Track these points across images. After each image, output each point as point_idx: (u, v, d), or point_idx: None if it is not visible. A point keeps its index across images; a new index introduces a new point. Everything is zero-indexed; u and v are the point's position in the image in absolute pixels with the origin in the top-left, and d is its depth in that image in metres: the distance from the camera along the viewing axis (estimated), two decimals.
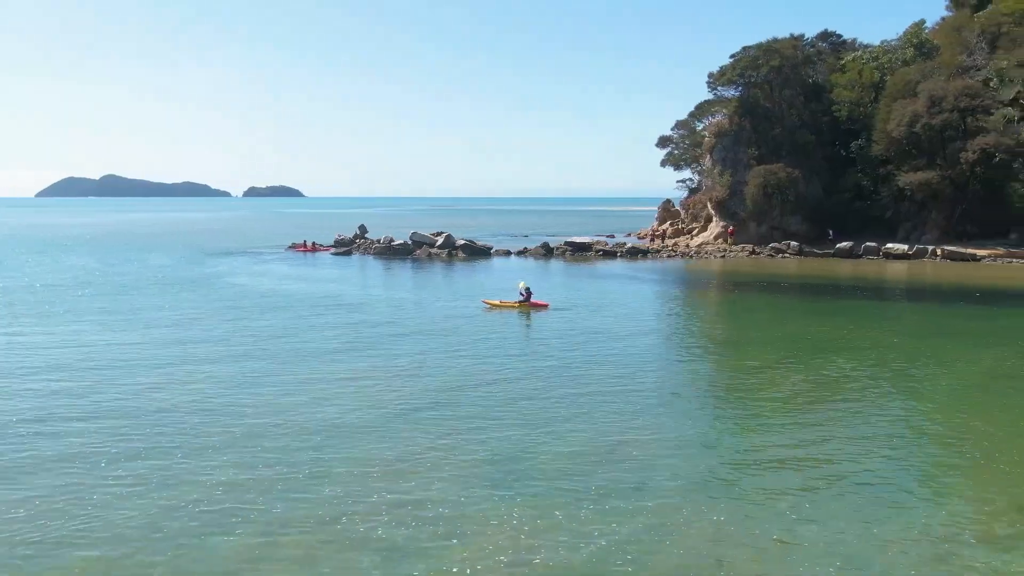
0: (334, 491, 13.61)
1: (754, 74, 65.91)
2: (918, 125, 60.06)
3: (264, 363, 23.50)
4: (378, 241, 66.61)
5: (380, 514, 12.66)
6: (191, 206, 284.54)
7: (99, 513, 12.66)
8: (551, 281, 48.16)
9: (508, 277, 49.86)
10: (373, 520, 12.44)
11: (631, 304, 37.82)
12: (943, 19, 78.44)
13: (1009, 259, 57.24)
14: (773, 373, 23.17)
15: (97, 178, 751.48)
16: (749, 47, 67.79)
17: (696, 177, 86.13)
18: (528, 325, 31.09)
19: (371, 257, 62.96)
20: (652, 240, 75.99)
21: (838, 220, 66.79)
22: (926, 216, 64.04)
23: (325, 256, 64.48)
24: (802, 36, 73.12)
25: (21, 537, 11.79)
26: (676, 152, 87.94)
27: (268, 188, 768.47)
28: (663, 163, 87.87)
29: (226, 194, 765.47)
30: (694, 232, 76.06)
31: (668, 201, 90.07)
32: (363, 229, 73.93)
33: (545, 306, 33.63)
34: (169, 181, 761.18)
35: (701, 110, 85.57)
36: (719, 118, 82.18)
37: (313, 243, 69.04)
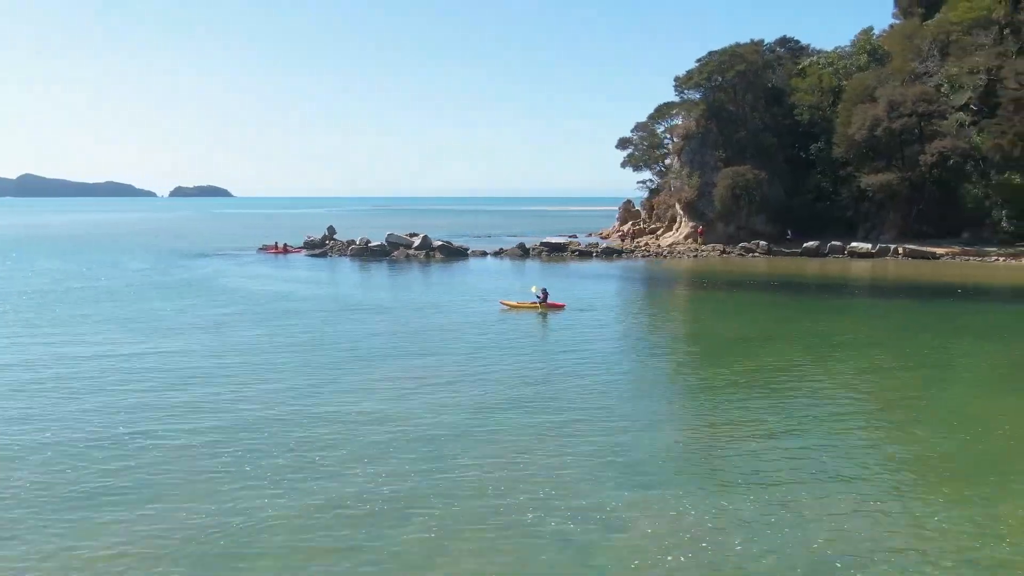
0: (487, 487, 14.06)
1: (720, 78, 67.66)
2: (879, 129, 62.61)
3: (340, 370, 23.19)
4: (354, 243, 66.29)
5: (550, 510, 13.18)
6: (125, 207, 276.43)
7: (274, 524, 12.88)
8: (545, 282, 48.81)
9: (496, 278, 50.68)
10: (538, 515, 12.95)
11: (637, 304, 38.82)
12: (892, 26, 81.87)
13: (965, 257, 60.09)
14: (811, 370, 24.31)
15: (14, 177, 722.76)
16: (715, 52, 69.63)
17: (656, 178, 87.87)
18: (549, 325, 31.77)
19: (347, 259, 62.70)
20: (623, 240, 77.22)
21: (801, 220, 69.06)
22: (884, 216, 66.73)
23: (299, 258, 63.96)
24: (762, 41, 75.46)
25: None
26: (636, 153, 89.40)
27: (195, 188, 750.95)
28: (623, 164, 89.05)
29: (151, 194, 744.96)
30: (658, 232, 77.68)
31: (628, 201, 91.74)
32: (332, 230, 73.48)
33: (562, 307, 34.30)
34: (91, 181, 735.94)
35: (661, 112, 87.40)
36: (680, 121, 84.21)
37: (284, 245, 68.38)
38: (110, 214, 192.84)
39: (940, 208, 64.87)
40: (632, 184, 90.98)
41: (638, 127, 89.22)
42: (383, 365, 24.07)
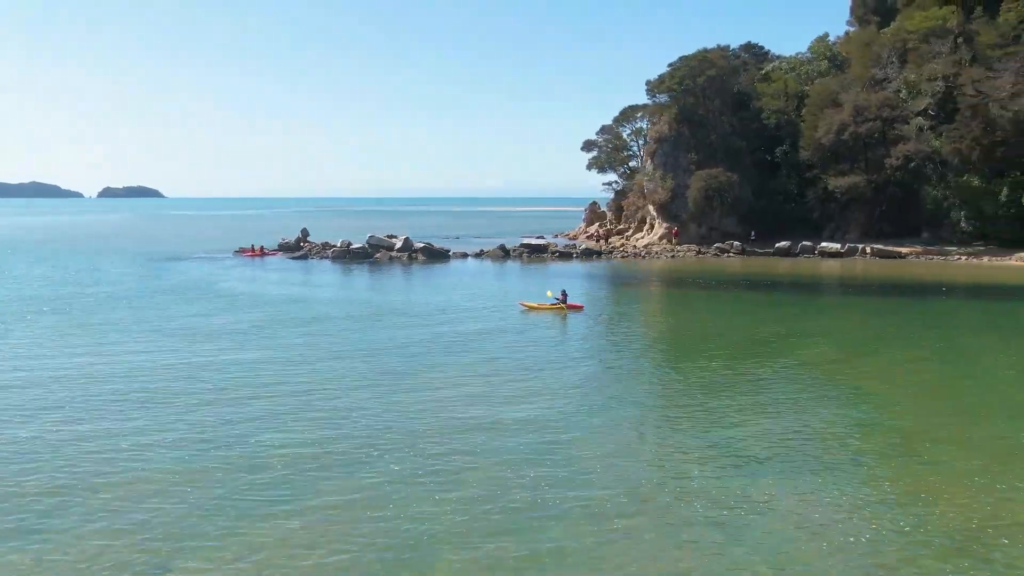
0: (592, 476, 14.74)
1: (691, 83, 69.33)
2: (846, 133, 65.07)
3: (425, 376, 23.34)
4: (334, 245, 66.07)
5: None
6: (53, 209, 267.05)
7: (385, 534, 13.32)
8: (541, 283, 49.61)
9: (488, 279, 51.50)
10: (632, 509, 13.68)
11: (644, 304, 39.82)
12: (848, 33, 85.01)
13: (929, 256, 62.86)
14: (846, 365, 25.60)
15: None
16: (686, 57, 71.32)
17: (621, 180, 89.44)
18: (581, 326, 32.55)
19: (328, 261, 62.41)
20: (595, 241, 78.42)
21: (768, 221, 71.10)
22: (848, 216, 69.28)
23: (279, 260, 63.38)
24: (728, 47, 77.58)
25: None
26: (601, 156, 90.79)
27: (125, 188, 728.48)
28: (589, 166, 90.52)
29: (78, 195, 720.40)
30: (627, 233, 79.11)
31: (595, 203, 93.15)
32: (305, 233, 73.07)
33: (580, 308, 35.07)
34: (14, 181, 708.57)
35: (625, 115, 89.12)
36: (646, 124, 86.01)
37: (261, 247, 67.66)
38: (41, 217, 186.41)
39: (901, 209, 67.66)
40: (590, 186, 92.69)
41: (603, 130, 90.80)
42: (466, 370, 24.29)
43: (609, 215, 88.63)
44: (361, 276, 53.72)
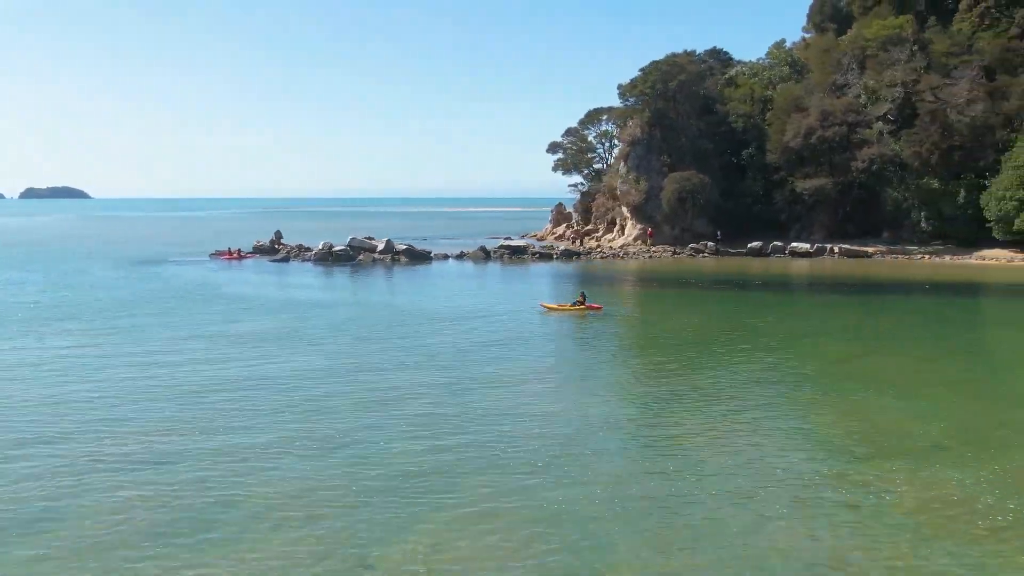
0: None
1: (663, 87, 70.94)
2: (813, 137, 67.47)
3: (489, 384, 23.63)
4: (309, 248, 65.90)
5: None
6: None
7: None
8: (532, 286, 50.50)
9: (490, 280, 52.42)
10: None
11: (658, 304, 40.99)
12: (805, 39, 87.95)
13: (893, 255, 65.63)
14: (872, 359, 27.08)
15: None
16: (658, 62, 72.95)
17: (586, 182, 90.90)
18: (598, 326, 33.49)
19: (310, 264, 62.16)
20: (570, 242, 79.50)
21: (736, 221, 73.11)
22: (814, 217, 71.76)
23: (260, 264, 62.79)
24: (694, 52, 79.60)
25: None
26: (566, 158, 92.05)
27: (49, 189, 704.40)
28: (554, 168, 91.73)
29: None
30: (597, 234, 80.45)
31: (560, 204, 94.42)
32: (279, 235, 72.61)
33: (599, 308, 35.96)
34: None
35: (591, 117, 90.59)
36: (613, 126, 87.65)
37: (239, 250, 66.88)
38: None
39: (863, 210, 70.42)
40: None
41: (569, 132, 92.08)
42: (542, 375, 24.90)
43: (576, 216, 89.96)
44: (358, 278, 53.69)
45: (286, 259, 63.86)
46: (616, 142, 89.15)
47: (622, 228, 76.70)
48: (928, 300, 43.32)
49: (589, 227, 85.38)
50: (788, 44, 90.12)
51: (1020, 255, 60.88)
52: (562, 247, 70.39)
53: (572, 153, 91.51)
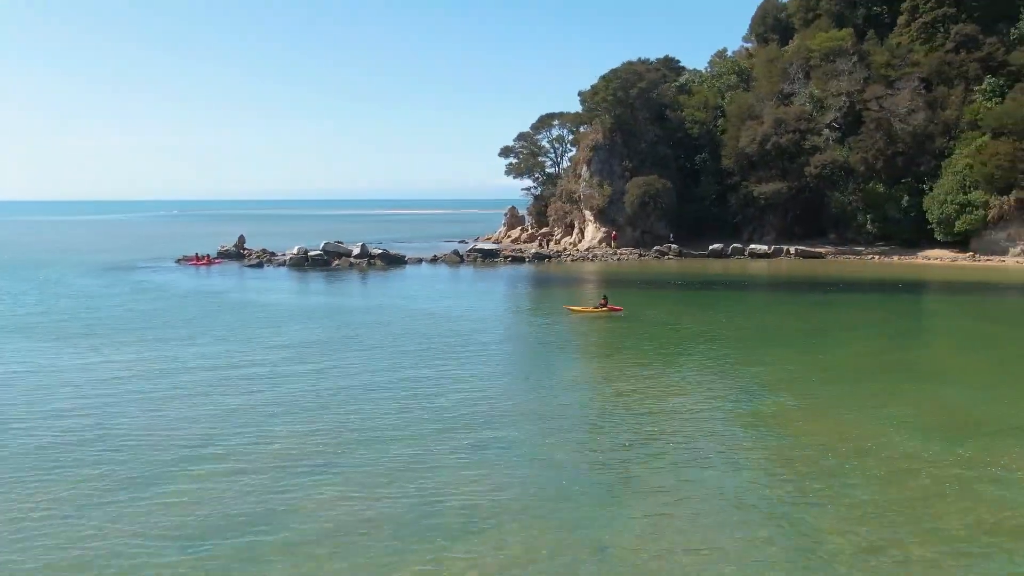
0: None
1: (624, 94, 73.12)
2: (769, 143, 70.74)
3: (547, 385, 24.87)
4: (274, 254, 65.61)
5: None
6: None
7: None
8: (516, 289, 51.65)
9: (486, 284, 53.58)
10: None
11: (657, 306, 42.69)
12: (747, 49, 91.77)
13: (844, 255, 69.39)
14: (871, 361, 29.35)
15: None
16: (617, 69, 75.15)
17: (538, 186, 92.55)
18: (626, 327, 34.95)
19: (285, 269, 61.67)
20: (542, 244, 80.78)
21: (691, 224, 75.88)
22: (765, 220, 75.15)
23: (235, 269, 61.80)
24: (648, 60, 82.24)
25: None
26: (517, 162, 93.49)
27: None
28: (507, 172, 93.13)
29: None
30: (557, 236, 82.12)
31: (513, 208, 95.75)
32: (242, 240, 71.68)
33: (619, 310, 37.36)
34: None
35: (543, 123, 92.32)
36: (563, 131, 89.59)
37: (208, 256, 65.64)
38: None
39: (811, 213, 74.17)
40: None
41: (521, 136, 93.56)
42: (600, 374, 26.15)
43: (529, 219, 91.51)
44: (350, 283, 53.73)
45: (260, 264, 63.12)
46: (569, 147, 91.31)
47: (581, 231, 78.58)
48: (937, 299, 46.64)
49: (544, 230, 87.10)
50: (730, 52, 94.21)
51: (961, 255, 65.38)
52: (532, 251, 71.63)
53: (524, 157, 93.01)
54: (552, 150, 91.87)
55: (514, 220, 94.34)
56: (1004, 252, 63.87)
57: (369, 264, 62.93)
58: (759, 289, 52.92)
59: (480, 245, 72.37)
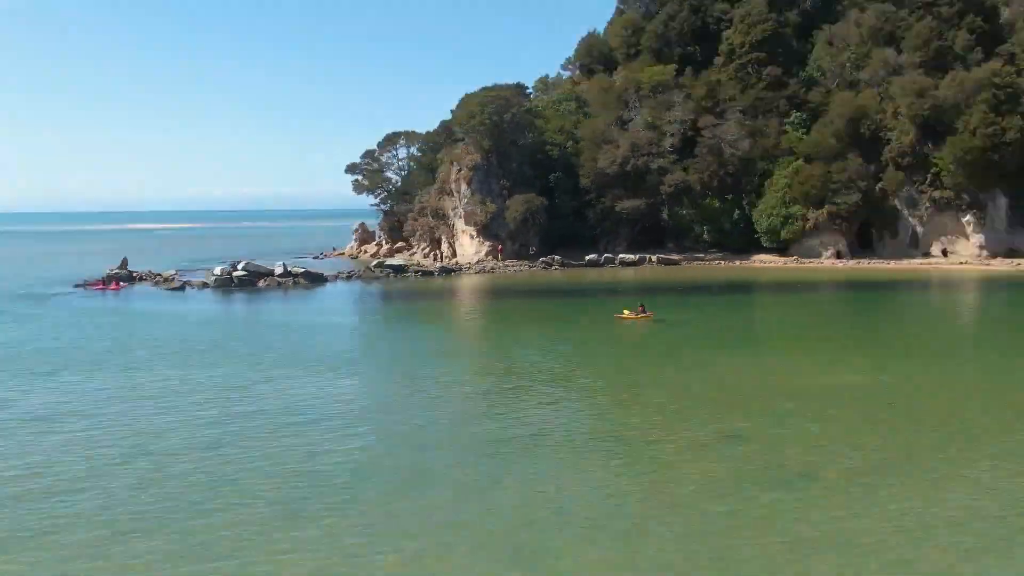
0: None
1: (499, 118, 79.02)
2: (629, 165, 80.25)
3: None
4: (217, 272, 63.33)
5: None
6: None
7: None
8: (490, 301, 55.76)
9: (478, 298, 56.45)
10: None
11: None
12: (572, 77, 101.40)
13: (694, 261, 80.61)
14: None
15: None
16: (487, 91, 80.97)
17: (384, 203, 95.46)
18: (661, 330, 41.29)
19: (210, 291, 60.12)
20: (411, 258, 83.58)
21: (553, 237, 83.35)
22: (619, 233, 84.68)
23: (156, 293, 58.92)
24: (502, 85, 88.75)
25: None
26: (362, 179, 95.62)
27: None
28: (355, 189, 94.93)
29: None
30: (424, 249, 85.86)
31: (363, 224, 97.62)
32: (125, 262, 67.89)
33: (650, 316, 43.43)
34: None
35: (390, 141, 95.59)
36: (412, 150, 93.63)
37: (115, 280, 61.42)
38: None
39: (655, 225, 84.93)
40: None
41: (366, 154, 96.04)
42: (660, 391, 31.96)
43: (382, 235, 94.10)
44: (293, 301, 54.61)
45: (182, 288, 60.57)
46: (412, 165, 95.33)
47: (451, 245, 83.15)
48: (824, 296, 57.10)
49: (400, 244, 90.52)
50: (550, 78, 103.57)
51: (786, 258, 79.14)
52: (439, 265, 75.10)
53: (370, 173, 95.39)
54: (402, 168, 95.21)
55: (366, 235, 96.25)
56: (818, 255, 78.44)
57: (294, 283, 63.15)
58: (660, 292, 60.80)
59: (390, 261, 74.52)
